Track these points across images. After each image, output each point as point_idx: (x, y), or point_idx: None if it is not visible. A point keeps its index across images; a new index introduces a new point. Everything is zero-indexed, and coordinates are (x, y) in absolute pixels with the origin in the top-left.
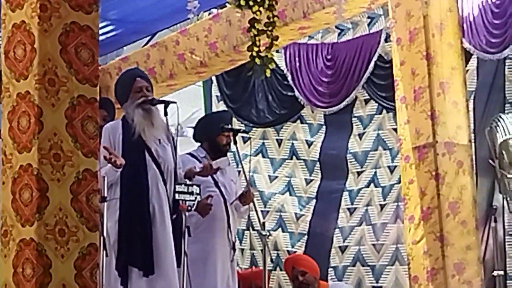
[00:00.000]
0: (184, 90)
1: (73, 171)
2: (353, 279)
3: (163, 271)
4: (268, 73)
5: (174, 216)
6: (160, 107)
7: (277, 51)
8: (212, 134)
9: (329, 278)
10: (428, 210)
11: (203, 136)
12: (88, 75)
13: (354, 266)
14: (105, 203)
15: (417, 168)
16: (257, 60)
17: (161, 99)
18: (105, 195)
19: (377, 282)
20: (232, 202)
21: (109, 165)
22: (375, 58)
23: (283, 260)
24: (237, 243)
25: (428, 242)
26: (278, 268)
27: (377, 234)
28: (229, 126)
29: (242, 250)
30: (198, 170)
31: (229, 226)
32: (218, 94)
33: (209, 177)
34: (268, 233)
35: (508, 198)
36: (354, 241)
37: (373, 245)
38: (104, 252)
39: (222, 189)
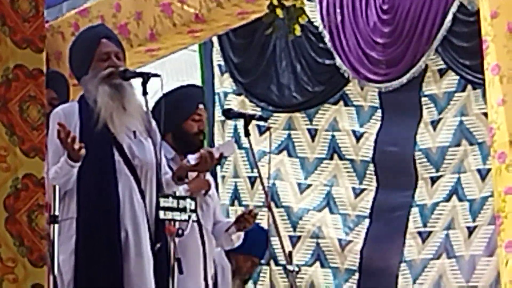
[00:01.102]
0: (172, 57)
1: (9, 178)
2: None
3: None
4: (298, 32)
5: (158, 245)
6: (137, 82)
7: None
8: (177, 120)
9: None
10: None
11: (164, 124)
12: (30, 36)
13: None
14: (56, 225)
15: None
16: (278, 12)
17: (138, 70)
18: (56, 212)
19: None
20: (228, 228)
21: (62, 159)
22: (454, 9)
23: None
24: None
25: None
26: None
27: (464, 271)
28: (201, 104)
29: None
30: (193, 163)
31: (205, 263)
32: (222, 63)
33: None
34: (297, 269)
35: None
36: (430, 282)
37: (460, 287)
38: None
39: (197, 210)
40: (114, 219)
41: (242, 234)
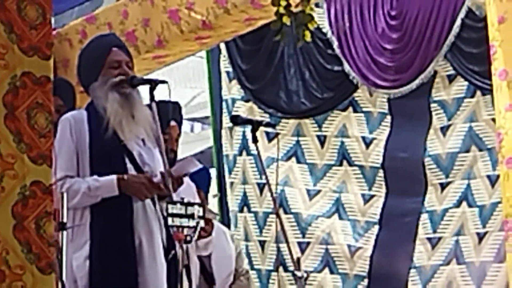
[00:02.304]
0: (179, 64)
1: (17, 185)
2: None
3: None
4: (308, 37)
5: (173, 253)
6: (144, 89)
7: (317, 5)
8: None
9: None
10: None
11: None
12: (37, 43)
13: None
14: (65, 232)
15: None
16: (285, 19)
17: (145, 77)
18: (65, 219)
19: None
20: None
21: (106, 180)
22: (462, 15)
23: None
24: None
25: None
26: None
27: (475, 277)
28: (173, 121)
29: None
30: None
31: (188, 272)
32: (230, 69)
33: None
34: (306, 275)
35: None
36: None
37: None
38: None
39: None
40: (127, 225)
41: (208, 239)
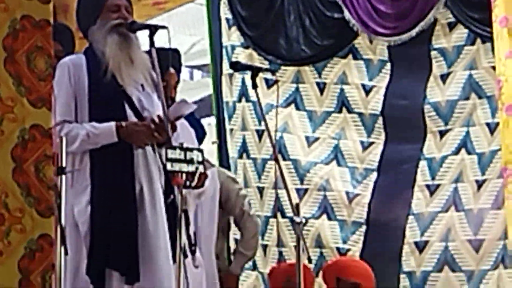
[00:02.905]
0: (179, 11)
1: (16, 128)
2: None
3: (153, 274)
4: None
5: (171, 198)
6: (143, 35)
7: None
8: None
9: None
10: None
11: None
12: None
13: (439, 272)
14: (64, 177)
15: None
16: None
17: (144, 23)
18: (63, 164)
19: None
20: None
21: (105, 126)
22: None
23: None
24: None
25: None
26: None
27: (473, 224)
28: (171, 68)
29: (266, 246)
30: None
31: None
32: (230, 16)
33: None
34: (304, 220)
35: None
36: (438, 235)
37: (468, 241)
38: (63, 248)
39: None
40: (128, 171)
41: (201, 190)
